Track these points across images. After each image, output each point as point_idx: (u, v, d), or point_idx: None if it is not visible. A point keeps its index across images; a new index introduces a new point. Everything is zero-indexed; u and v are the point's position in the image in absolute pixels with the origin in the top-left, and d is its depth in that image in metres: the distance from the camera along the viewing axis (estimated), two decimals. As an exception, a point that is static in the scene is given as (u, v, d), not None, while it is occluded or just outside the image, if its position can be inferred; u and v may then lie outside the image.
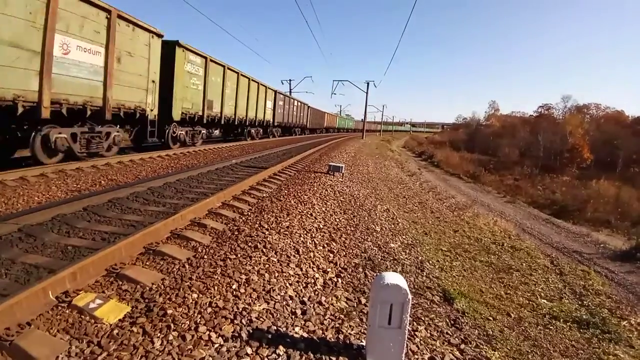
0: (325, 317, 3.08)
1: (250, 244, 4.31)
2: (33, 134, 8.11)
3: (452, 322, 3.72)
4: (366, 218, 7.06)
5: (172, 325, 2.55)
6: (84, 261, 3.06)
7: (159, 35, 11.82)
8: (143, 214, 5.16)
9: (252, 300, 3.08)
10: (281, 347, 2.52)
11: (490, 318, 4.37)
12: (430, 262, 5.84)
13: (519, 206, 21.68)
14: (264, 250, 4.20)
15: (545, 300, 5.87)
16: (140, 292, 2.99)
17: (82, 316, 2.58)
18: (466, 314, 4.07)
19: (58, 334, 2.38)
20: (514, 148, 54.86)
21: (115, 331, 2.45)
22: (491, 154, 54.08)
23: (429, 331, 3.31)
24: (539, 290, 6.34)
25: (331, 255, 4.74)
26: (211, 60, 15.44)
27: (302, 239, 4.94)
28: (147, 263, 3.57)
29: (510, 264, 7.35)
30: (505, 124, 71.34)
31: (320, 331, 2.84)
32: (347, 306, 3.43)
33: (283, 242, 4.59)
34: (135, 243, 3.75)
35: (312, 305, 3.25)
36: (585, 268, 9.07)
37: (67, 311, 2.62)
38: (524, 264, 7.74)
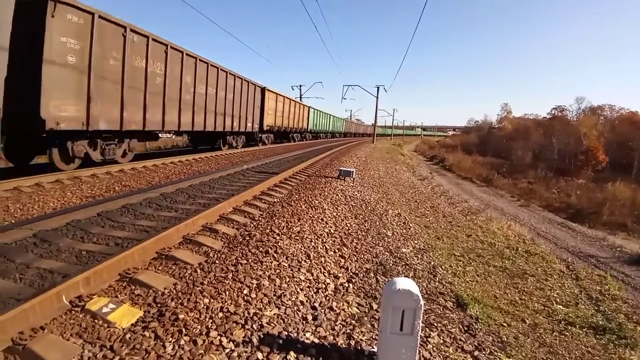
0: (337, 323, 3.07)
1: (261, 249, 4.32)
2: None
3: (465, 328, 3.68)
4: (377, 223, 7.03)
5: (183, 330, 2.56)
6: (98, 266, 3.10)
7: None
8: (156, 219, 5.21)
9: (263, 306, 3.08)
10: (292, 353, 2.51)
11: (505, 324, 4.30)
12: (443, 267, 5.78)
13: (533, 210, 21.40)
14: (275, 255, 4.20)
15: (560, 306, 5.76)
16: (152, 296, 3.01)
17: (95, 320, 2.60)
18: (480, 320, 4.01)
19: (71, 338, 2.40)
20: (528, 151, 54.26)
21: (128, 335, 2.46)
22: (504, 157, 53.51)
23: (441, 337, 3.28)
24: (555, 295, 6.22)
25: (342, 260, 4.72)
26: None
27: (313, 244, 4.93)
28: (160, 268, 3.59)
29: (525, 269, 7.23)
30: (518, 126, 70.64)
31: (332, 337, 2.83)
32: (358, 312, 3.40)
33: (294, 247, 4.58)
34: (148, 248, 3.78)
35: (323, 310, 3.24)
36: (602, 273, 8.89)
37: (81, 315, 2.65)
38: (539, 269, 7.61)
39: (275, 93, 24.74)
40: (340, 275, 4.21)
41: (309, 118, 35.26)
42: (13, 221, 5.02)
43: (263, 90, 22.43)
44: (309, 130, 36.25)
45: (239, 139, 19.49)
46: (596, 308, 6.23)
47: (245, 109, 19.25)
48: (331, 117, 47.75)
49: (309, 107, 35.43)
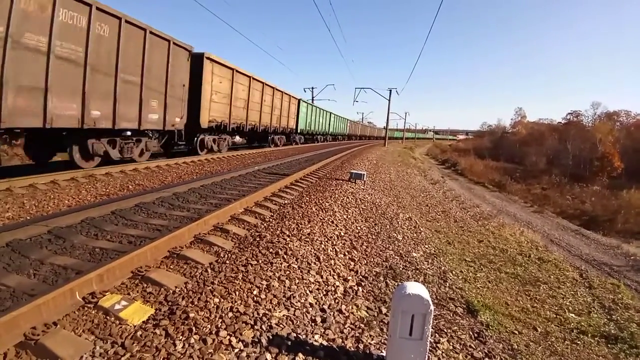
0: (345, 326, 3.06)
1: (271, 250, 4.33)
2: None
3: (475, 335, 3.64)
4: (388, 226, 7.00)
5: (193, 328, 2.58)
6: (111, 263, 3.14)
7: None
8: (168, 218, 5.26)
9: (272, 307, 3.09)
10: (300, 355, 2.52)
11: (516, 332, 4.25)
12: (454, 272, 5.74)
13: (547, 216, 21.11)
14: (285, 256, 4.21)
15: (573, 314, 5.68)
16: (164, 295, 3.04)
17: (108, 317, 2.63)
18: (490, 327, 3.97)
19: (83, 334, 2.44)
20: (542, 156, 53.57)
21: (139, 333, 2.49)
22: (517, 162, 52.92)
23: (451, 344, 3.25)
24: (567, 303, 6.14)
25: (352, 263, 4.72)
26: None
27: (323, 246, 4.93)
28: (171, 267, 3.63)
29: (538, 276, 7.15)
30: (532, 131, 69.79)
31: (340, 340, 2.83)
32: (367, 315, 3.40)
33: (304, 249, 4.59)
34: (160, 247, 3.82)
35: (332, 313, 3.23)
36: (615, 281, 8.73)
37: (93, 312, 2.68)
38: (552, 277, 7.51)
39: (229, 68, 14.79)
40: (349, 278, 4.20)
41: (298, 115, 27.04)
42: (28, 217, 5.11)
43: (199, 58, 13.02)
44: (298, 130, 27.72)
45: (130, 145, 10.57)
46: (609, 317, 6.13)
47: (139, 85, 10.13)
48: (331, 115, 39.58)
49: (298, 100, 26.88)
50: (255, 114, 18.45)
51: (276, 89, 21.18)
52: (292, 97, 25.16)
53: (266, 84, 19.22)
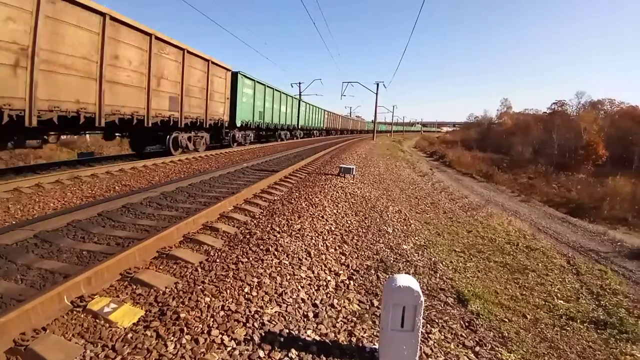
0: (338, 320, 3.07)
1: (262, 247, 4.32)
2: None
3: (466, 324, 3.68)
4: (378, 220, 7.03)
5: (185, 328, 2.57)
6: (99, 266, 3.10)
7: None
8: (156, 218, 5.21)
9: (264, 304, 3.09)
10: (293, 350, 2.52)
11: (506, 320, 4.31)
12: (444, 263, 5.79)
13: (534, 205, 21.37)
14: (276, 253, 4.20)
15: (561, 301, 5.78)
16: (154, 296, 3.01)
17: (97, 320, 2.61)
18: (481, 316, 4.02)
19: (73, 338, 2.41)
20: (528, 146, 54.24)
21: (130, 335, 2.47)
22: (504, 153, 53.45)
23: (442, 333, 3.28)
24: (556, 290, 6.24)
25: (343, 257, 4.73)
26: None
27: (313, 241, 4.93)
28: (161, 267, 3.60)
29: (526, 265, 7.25)
30: (518, 121, 70.52)
31: (333, 334, 2.83)
32: (359, 309, 3.41)
33: (295, 245, 4.59)
34: (149, 247, 3.78)
35: (324, 308, 3.24)
36: (602, 267, 8.89)
37: (82, 315, 2.65)
38: (540, 264, 7.62)
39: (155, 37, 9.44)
40: (341, 272, 4.21)
41: (236, 98, 16.93)
42: (14, 222, 5.03)
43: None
44: (238, 124, 17.33)
45: None
46: (597, 303, 6.24)
47: None
48: (300, 103, 30.69)
49: (234, 74, 16.71)
50: (83, 83, 8.40)
51: (165, 41, 11.23)
52: (217, 65, 14.78)
53: (126, 24, 9.48)
